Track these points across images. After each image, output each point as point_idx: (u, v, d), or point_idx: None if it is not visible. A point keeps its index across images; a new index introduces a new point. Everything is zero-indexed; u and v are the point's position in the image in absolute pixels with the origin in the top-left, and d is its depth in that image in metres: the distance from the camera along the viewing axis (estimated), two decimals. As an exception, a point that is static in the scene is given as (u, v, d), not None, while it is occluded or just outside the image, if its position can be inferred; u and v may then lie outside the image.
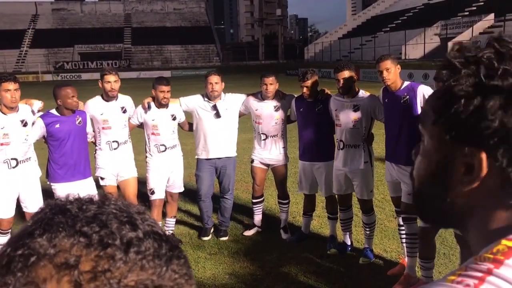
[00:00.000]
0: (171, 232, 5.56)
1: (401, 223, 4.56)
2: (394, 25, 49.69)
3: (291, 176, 6.30)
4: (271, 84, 5.28)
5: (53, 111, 4.75)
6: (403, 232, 4.52)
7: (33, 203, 4.67)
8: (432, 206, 0.77)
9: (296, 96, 5.34)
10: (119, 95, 5.17)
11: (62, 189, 4.70)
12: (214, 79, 5.28)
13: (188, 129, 5.68)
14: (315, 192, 5.38)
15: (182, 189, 5.58)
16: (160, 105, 5.17)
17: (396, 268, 4.62)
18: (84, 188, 4.79)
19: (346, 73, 4.65)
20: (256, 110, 5.41)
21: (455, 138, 0.69)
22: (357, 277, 4.51)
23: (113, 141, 5.10)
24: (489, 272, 0.61)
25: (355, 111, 4.71)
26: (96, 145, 5.19)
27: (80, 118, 4.83)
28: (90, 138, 5.14)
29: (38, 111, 4.87)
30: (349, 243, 5.15)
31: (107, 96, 5.06)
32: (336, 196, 5.14)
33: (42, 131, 4.69)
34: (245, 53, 71.98)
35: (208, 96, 5.37)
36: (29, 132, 4.61)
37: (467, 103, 0.67)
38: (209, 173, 5.49)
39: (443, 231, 5.06)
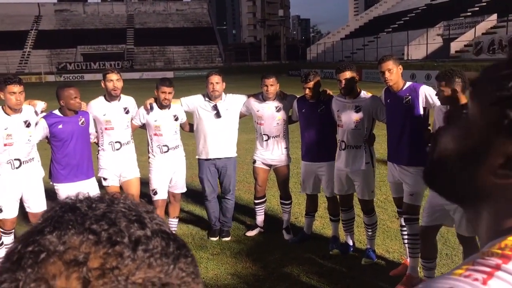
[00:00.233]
0: (174, 232, 5.56)
1: (403, 223, 4.57)
2: (397, 25, 49.64)
3: (293, 176, 6.30)
4: (272, 85, 5.29)
5: (56, 111, 4.77)
6: (405, 232, 4.52)
7: (36, 203, 4.69)
8: (450, 179, 0.74)
9: (298, 97, 5.35)
10: (122, 95, 5.19)
11: (65, 190, 4.71)
12: (215, 79, 5.30)
13: (188, 129, 5.69)
14: (318, 192, 5.38)
15: (184, 190, 5.60)
16: (162, 106, 5.19)
17: (399, 268, 4.61)
18: (86, 189, 4.80)
19: (347, 74, 4.66)
20: (258, 111, 5.41)
21: (509, 129, 0.65)
22: (359, 278, 4.52)
23: (115, 142, 5.12)
24: (497, 267, 0.61)
25: (356, 112, 4.71)
26: (98, 146, 5.21)
27: (83, 119, 4.84)
28: (93, 139, 5.16)
29: (41, 111, 4.88)
30: (351, 243, 5.15)
31: (110, 96, 5.08)
32: (338, 196, 5.14)
33: (45, 131, 4.71)
34: (248, 53, 72.04)
35: (209, 96, 5.38)
36: (32, 132, 4.63)
37: None
38: (211, 173, 5.50)
39: (445, 231, 5.06)
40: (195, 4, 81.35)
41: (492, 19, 35.84)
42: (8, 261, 0.50)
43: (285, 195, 5.64)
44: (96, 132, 5.14)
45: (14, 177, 4.56)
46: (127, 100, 5.26)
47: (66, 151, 4.75)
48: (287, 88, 6.08)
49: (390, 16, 55.04)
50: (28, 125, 4.59)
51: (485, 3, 40.92)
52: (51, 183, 4.89)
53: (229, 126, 5.44)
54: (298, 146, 5.46)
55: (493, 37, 31.61)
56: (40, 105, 4.92)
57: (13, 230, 4.71)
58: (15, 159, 4.55)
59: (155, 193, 5.32)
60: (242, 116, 5.63)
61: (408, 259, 4.47)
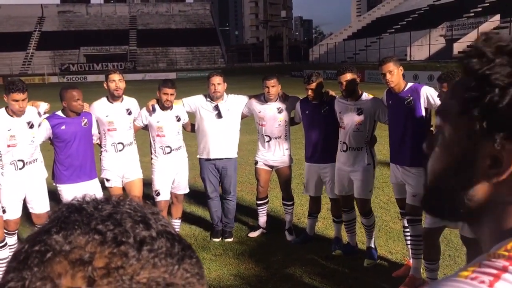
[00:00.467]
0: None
1: (406, 224, 4.56)
2: (399, 26, 49.60)
3: (295, 177, 6.31)
4: (273, 86, 5.29)
5: (59, 112, 4.79)
6: (408, 233, 4.52)
7: (40, 204, 4.71)
8: (449, 200, 0.74)
9: (301, 98, 5.35)
10: (124, 97, 5.20)
11: (68, 190, 4.73)
12: (217, 79, 5.30)
13: (190, 129, 5.70)
14: (321, 194, 5.38)
15: (187, 191, 5.61)
16: (164, 107, 5.20)
17: (401, 269, 4.61)
18: (89, 190, 4.81)
19: (348, 76, 4.66)
20: (259, 112, 5.42)
21: (485, 129, 0.67)
22: (362, 279, 4.51)
23: (118, 143, 5.13)
24: (504, 269, 0.60)
25: (358, 114, 4.72)
26: (101, 147, 5.22)
27: (86, 120, 4.86)
28: (95, 140, 5.17)
29: (44, 113, 4.90)
30: (354, 244, 5.15)
31: (112, 97, 5.09)
32: (339, 197, 5.14)
33: (48, 132, 4.72)
34: (250, 54, 72.06)
35: (210, 97, 5.39)
36: (35, 133, 4.64)
37: (503, 93, 0.65)
38: (212, 173, 5.52)
39: (448, 232, 5.06)
40: (198, 5, 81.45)
41: (495, 20, 35.77)
42: (15, 260, 0.51)
43: (287, 196, 5.64)
44: (99, 133, 5.15)
45: (18, 178, 4.58)
46: (130, 101, 5.27)
47: (69, 152, 4.76)
48: (290, 89, 6.08)
49: (393, 17, 55.00)
50: (31, 126, 4.60)
51: (488, 4, 40.85)
52: (54, 184, 4.91)
53: (231, 127, 5.45)
54: (300, 147, 5.47)
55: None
56: (43, 106, 4.94)
57: (16, 231, 4.73)
58: (18, 160, 4.56)
59: (158, 194, 5.33)
60: (243, 117, 5.63)
61: (411, 260, 4.46)
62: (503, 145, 0.66)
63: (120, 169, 5.17)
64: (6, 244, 4.55)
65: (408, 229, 4.51)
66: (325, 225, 5.83)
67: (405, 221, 4.59)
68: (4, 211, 4.55)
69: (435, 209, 0.80)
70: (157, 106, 5.24)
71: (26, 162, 4.61)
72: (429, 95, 4.23)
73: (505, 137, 0.66)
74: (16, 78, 4.65)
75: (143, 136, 5.81)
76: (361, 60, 44.77)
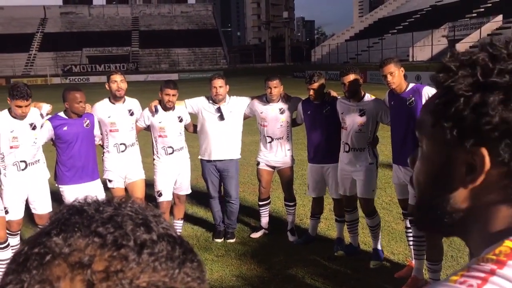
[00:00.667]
0: (179, 234, 5.57)
1: (408, 225, 4.55)
2: (401, 27, 49.56)
3: (297, 178, 6.31)
4: (275, 87, 5.29)
5: (61, 114, 4.80)
6: (410, 234, 4.51)
7: (42, 205, 4.72)
8: (434, 213, 0.76)
9: (303, 99, 5.35)
10: (126, 98, 5.21)
11: (70, 191, 4.74)
12: (218, 82, 5.31)
13: (192, 130, 5.71)
14: (324, 194, 5.38)
15: (189, 191, 5.61)
16: (166, 107, 5.21)
17: (404, 270, 4.60)
18: (92, 190, 4.82)
19: (351, 77, 4.66)
20: (261, 113, 5.42)
21: (456, 137, 0.70)
22: (364, 280, 4.51)
23: (120, 144, 5.14)
24: (492, 272, 0.62)
25: (361, 115, 4.71)
26: (103, 148, 5.23)
27: (88, 121, 4.87)
28: (98, 141, 5.18)
29: (47, 114, 4.91)
30: (356, 245, 5.15)
31: (115, 98, 5.10)
32: (342, 197, 5.13)
33: (50, 133, 4.73)
34: (252, 55, 72.11)
35: (213, 99, 5.40)
36: (37, 135, 4.65)
37: (467, 101, 0.68)
38: (213, 174, 5.53)
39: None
40: (200, 6, 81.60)
41: (497, 20, 35.71)
42: (14, 262, 0.51)
43: (289, 197, 5.64)
44: (101, 134, 5.16)
45: (20, 179, 4.59)
46: (132, 102, 5.28)
47: (71, 153, 4.77)
48: (292, 90, 6.09)
49: (395, 18, 54.96)
50: (33, 128, 4.61)
51: (490, 4, 40.79)
52: (56, 185, 4.92)
53: (233, 129, 5.45)
54: (302, 147, 5.47)
55: (499, 38, 31.47)
56: (46, 107, 4.95)
57: (19, 232, 4.74)
58: (21, 161, 4.57)
59: (160, 195, 5.34)
60: (246, 117, 5.64)
61: (413, 261, 4.45)
62: (474, 151, 0.69)
63: (122, 170, 5.18)
64: (8, 244, 4.56)
65: (410, 230, 4.51)
66: (327, 226, 5.83)
67: (408, 222, 4.59)
68: (6, 212, 4.56)
69: (424, 223, 0.81)
70: (159, 107, 5.25)
71: (29, 163, 4.62)
72: (431, 95, 4.22)
73: (474, 143, 0.68)
74: (21, 83, 4.64)
75: (145, 137, 5.82)
76: (363, 61, 44.72)
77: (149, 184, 5.64)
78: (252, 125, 6.74)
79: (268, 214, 5.79)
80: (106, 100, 5.17)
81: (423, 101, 4.25)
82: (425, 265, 4.28)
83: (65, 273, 0.48)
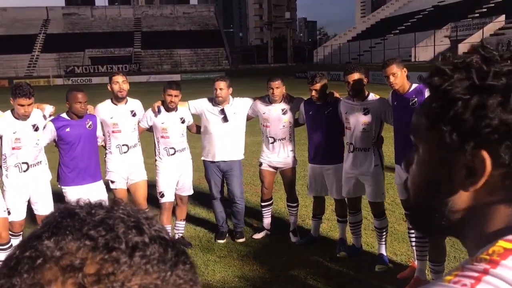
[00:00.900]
0: (181, 235, 5.58)
1: (411, 226, 4.54)
2: (404, 27, 49.53)
3: (300, 179, 6.31)
4: (278, 87, 5.29)
5: (64, 115, 4.80)
6: (413, 235, 4.50)
7: (44, 206, 4.72)
8: (432, 216, 0.77)
9: (305, 99, 5.35)
10: (129, 99, 5.22)
11: (73, 192, 4.74)
12: (220, 84, 5.31)
13: (195, 131, 5.72)
14: (325, 195, 5.37)
15: (191, 192, 5.61)
16: (168, 108, 5.21)
17: (406, 271, 4.59)
18: (94, 192, 4.83)
19: (356, 76, 4.65)
20: (264, 113, 5.42)
21: (455, 141, 0.70)
22: (366, 281, 4.50)
23: (123, 145, 5.14)
24: (485, 272, 0.63)
25: (365, 114, 4.70)
26: (106, 149, 5.24)
27: (90, 122, 4.87)
28: (100, 142, 5.18)
29: (50, 115, 4.91)
30: (358, 246, 5.13)
31: (117, 99, 5.11)
32: (346, 199, 5.12)
33: (53, 134, 4.74)
34: (254, 56, 72.17)
35: (216, 100, 5.40)
36: (40, 136, 4.66)
37: (465, 104, 0.68)
38: (216, 174, 5.53)
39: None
40: (202, 7, 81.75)
41: (500, 20, 35.68)
42: (5, 267, 0.51)
43: (292, 198, 5.63)
44: (104, 135, 5.16)
45: (22, 181, 4.60)
46: (134, 103, 5.29)
47: (73, 154, 4.77)
48: (294, 91, 6.08)
49: (397, 18, 54.93)
50: (36, 129, 4.62)
51: (493, 4, 40.73)
52: (59, 186, 4.92)
53: (236, 130, 5.45)
54: (304, 148, 5.46)
55: (501, 39, 31.44)
56: (49, 109, 4.96)
57: (21, 233, 4.74)
58: (22, 163, 4.58)
59: (162, 196, 5.34)
60: (249, 118, 5.64)
61: (416, 262, 4.44)
62: (475, 154, 0.69)
63: (125, 170, 5.18)
64: (11, 245, 4.56)
65: (413, 231, 4.49)
66: (330, 227, 5.82)
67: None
68: (8, 213, 4.57)
69: (421, 226, 0.82)
70: (162, 108, 5.25)
71: (31, 165, 4.62)
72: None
73: (474, 146, 0.69)
74: (23, 82, 4.64)
75: (148, 137, 5.82)
76: (365, 61, 44.70)
77: (151, 185, 5.64)
78: (254, 126, 6.74)
79: (270, 215, 5.78)
80: (108, 101, 5.18)
81: (426, 102, 4.23)
82: (428, 266, 4.27)
83: (56, 277, 0.48)
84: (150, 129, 5.37)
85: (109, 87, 5.12)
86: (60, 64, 60.84)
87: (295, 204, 5.62)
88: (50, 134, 4.72)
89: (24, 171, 4.60)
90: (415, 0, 57.83)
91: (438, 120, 0.72)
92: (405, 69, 4.37)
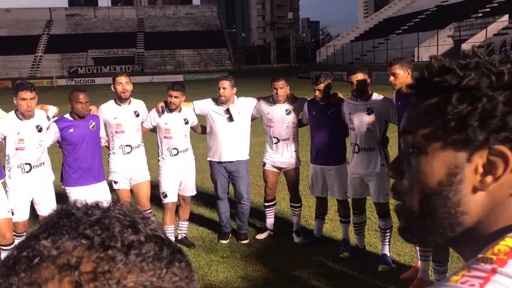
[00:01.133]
0: (184, 235, 5.59)
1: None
2: (407, 27, 49.43)
3: (303, 179, 6.31)
4: (281, 88, 5.29)
5: (67, 115, 4.82)
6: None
7: (47, 207, 4.72)
8: (440, 221, 0.74)
9: (308, 99, 5.34)
10: (132, 99, 5.23)
11: (76, 193, 4.75)
12: (224, 84, 5.31)
13: (201, 132, 5.72)
14: (326, 195, 5.36)
15: (194, 193, 5.62)
16: (170, 109, 5.22)
17: (409, 272, 4.58)
18: (98, 192, 4.85)
19: (359, 76, 4.64)
20: (268, 113, 5.42)
21: (480, 138, 0.69)
22: (369, 281, 4.49)
23: (126, 145, 5.15)
24: (493, 271, 0.62)
25: (368, 114, 4.69)
26: (109, 149, 5.25)
27: (94, 123, 4.88)
28: (103, 143, 5.20)
29: (53, 116, 4.93)
30: (362, 246, 5.13)
31: (120, 100, 5.12)
32: (351, 199, 5.11)
33: (56, 135, 4.75)
34: (257, 56, 72.14)
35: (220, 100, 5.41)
36: (43, 137, 4.67)
37: (493, 100, 0.68)
38: (223, 175, 5.53)
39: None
40: (205, 8, 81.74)
41: (503, 20, 35.55)
42: (3, 266, 0.51)
43: (295, 198, 5.63)
44: (107, 135, 5.18)
45: (25, 181, 4.61)
46: (137, 104, 5.30)
47: (77, 155, 4.79)
48: (297, 91, 6.08)
49: (400, 18, 54.83)
50: (39, 130, 4.63)
51: (496, 4, 40.62)
52: (62, 186, 4.94)
53: (242, 129, 5.46)
54: (308, 149, 5.46)
55: (505, 38, 31.35)
56: (52, 110, 4.97)
57: (24, 233, 4.76)
58: (25, 164, 4.59)
59: (165, 196, 5.34)
60: (253, 118, 5.64)
61: (419, 262, 4.43)
62: (497, 150, 0.69)
63: (128, 171, 5.19)
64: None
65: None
66: (333, 227, 5.82)
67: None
68: (12, 213, 4.58)
69: (421, 235, 0.78)
70: (165, 108, 5.27)
71: (33, 166, 4.63)
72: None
73: (497, 142, 0.69)
74: (25, 81, 4.69)
75: (151, 138, 5.83)
76: (368, 61, 44.63)
77: (155, 186, 5.65)
78: (257, 126, 6.74)
79: (273, 215, 5.78)
80: (112, 101, 5.19)
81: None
82: (431, 267, 4.26)
83: (53, 275, 0.48)
84: (154, 130, 5.38)
85: (112, 88, 5.13)
86: (63, 65, 60.96)
87: (298, 205, 5.62)
88: (54, 135, 4.74)
89: (27, 172, 4.61)
90: (418, 0, 57.73)
91: (463, 117, 0.70)
92: (410, 71, 4.34)
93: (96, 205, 0.56)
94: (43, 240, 0.51)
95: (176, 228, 5.58)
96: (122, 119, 5.10)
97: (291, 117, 5.36)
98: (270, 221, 5.75)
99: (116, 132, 5.11)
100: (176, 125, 5.24)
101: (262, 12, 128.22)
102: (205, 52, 68.96)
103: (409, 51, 38.65)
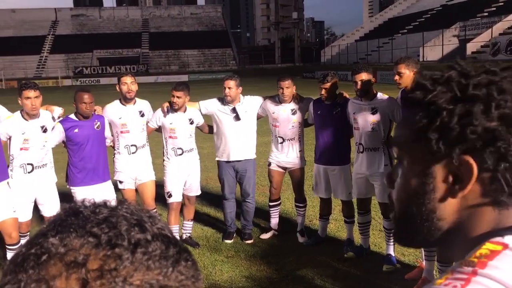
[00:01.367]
0: (189, 235, 5.60)
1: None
2: (412, 27, 49.25)
3: (308, 179, 6.30)
4: (288, 87, 5.29)
5: (72, 116, 4.84)
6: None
7: (50, 207, 4.75)
8: (420, 227, 0.79)
9: (314, 99, 5.34)
10: (137, 99, 5.25)
11: (82, 193, 4.77)
12: (229, 84, 5.32)
13: (207, 131, 5.73)
14: (329, 196, 5.35)
15: (199, 192, 5.63)
16: (174, 109, 5.23)
17: (414, 271, 4.57)
18: (103, 192, 4.86)
19: (364, 75, 4.63)
20: (273, 113, 5.42)
21: (442, 149, 0.73)
22: (374, 281, 4.49)
23: (131, 145, 5.17)
24: (474, 273, 0.65)
25: (373, 113, 4.68)
26: (114, 149, 5.27)
27: (99, 123, 4.90)
28: (109, 143, 5.22)
29: (59, 117, 4.94)
30: (366, 246, 5.12)
31: (125, 100, 5.14)
32: (356, 200, 5.11)
33: (62, 136, 4.77)
34: (262, 56, 72.12)
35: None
36: (48, 138, 4.69)
37: (451, 113, 0.72)
38: (231, 175, 5.54)
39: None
40: (209, 8, 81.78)
41: (509, 19, 35.32)
42: (12, 263, 0.52)
43: (300, 198, 5.63)
44: (112, 135, 5.19)
45: (26, 181, 4.62)
46: (142, 104, 5.32)
47: (82, 155, 4.81)
48: (302, 90, 6.07)
49: (405, 18, 54.64)
50: (44, 131, 4.65)
51: (502, 3, 40.38)
52: (67, 186, 4.96)
53: (248, 128, 5.47)
54: (313, 148, 5.45)
55: (511, 38, 31.18)
56: (58, 110, 4.99)
57: (28, 233, 4.78)
58: (28, 164, 4.61)
59: (170, 196, 5.36)
60: (259, 117, 5.65)
61: (424, 262, 4.42)
62: (461, 160, 0.72)
63: (133, 171, 5.21)
64: (20, 246, 4.60)
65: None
66: (337, 227, 5.81)
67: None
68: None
69: (407, 239, 0.84)
70: (170, 108, 5.28)
71: (35, 166, 4.65)
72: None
73: (461, 152, 0.72)
74: (28, 81, 4.73)
75: (156, 138, 5.85)
76: (373, 61, 44.52)
77: (159, 185, 5.67)
78: (261, 126, 6.74)
79: (278, 215, 5.78)
80: (117, 101, 5.21)
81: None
82: (435, 267, 4.25)
83: (60, 272, 0.49)
84: (159, 130, 5.40)
85: (117, 88, 5.15)
86: (69, 65, 61.14)
87: (303, 205, 5.62)
88: (59, 135, 4.76)
89: (29, 172, 4.62)
90: (423, -1, 57.55)
91: (424, 131, 0.75)
92: (415, 70, 4.33)
93: (104, 204, 0.57)
94: (51, 238, 0.52)
95: (180, 228, 5.59)
96: (127, 119, 5.12)
97: (297, 117, 5.36)
98: (274, 221, 5.75)
99: (121, 132, 5.13)
100: (181, 125, 5.26)
101: (266, 12, 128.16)
102: (209, 52, 68.99)
103: (414, 51, 38.50)
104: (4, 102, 4.85)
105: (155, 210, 5.38)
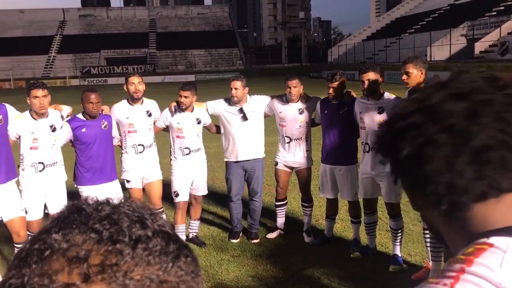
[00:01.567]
0: (195, 234, 5.62)
1: (426, 226, 4.51)
2: (419, 26, 49.02)
3: (314, 179, 6.30)
4: (295, 87, 5.29)
5: (80, 115, 4.87)
6: (428, 236, 4.46)
7: (57, 206, 4.76)
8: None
9: (321, 98, 5.34)
10: (144, 99, 5.27)
11: (89, 192, 4.79)
12: (235, 84, 5.33)
13: (215, 131, 5.75)
14: (335, 196, 5.34)
15: (206, 192, 5.65)
16: (182, 108, 5.25)
17: (420, 272, 4.56)
18: (110, 191, 4.88)
19: (371, 75, 4.63)
20: (280, 112, 5.43)
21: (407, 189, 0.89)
22: (380, 281, 4.48)
23: (138, 145, 5.19)
24: (462, 270, 0.71)
25: (380, 113, 4.67)
26: (122, 149, 5.29)
27: (106, 122, 4.93)
28: (116, 142, 5.25)
29: (67, 116, 4.98)
30: (373, 246, 5.11)
31: (132, 99, 5.16)
32: (362, 200, 5.10)
33: (69, 135, 4.80)
34: (268, 56, 72.08)
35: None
36: (57, 137, 4.73)
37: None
38: (239, 175, 5.55)
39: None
40: (216, 8, 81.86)
41: (517, 19, 35.07)
42: (17, 258, 0.54)
43: (306, 198, 5.63)
44: (120, 135, 5.22)
45: (38, 180, 4.66)
46: (150, 103, 5.34)
47: (89, 154, 4.83)
48: (309, 90, 6.07)
49: (413, 17, 54.40)
50: (53, 130, 4.69)
51: (510, 2, 40.11)
52: (75, 185, 4.99)
53: (256, 128, 5.48)
54: (320, 148, 5.45)
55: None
56: (66, 110, 5.02)
57: (38, 231, 4.81)
58: (38, 163, 4.65)
59: (177, 195, 5.38)
60: (265, 116, 5.66)
61: (431, 263, 4.41)
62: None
63: (140, 170, 5.24)
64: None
65: (427, 231, 4.46)
66: (344, 227, 5.81)
67: (425, 223, 4.54)
68: (25, 212, 4.64)
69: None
70: (177, 108, 5.30)
71: (46, 165, 4.69)
72: None
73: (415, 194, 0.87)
74: (36, 80, 4.78)
75: (163, 137, 5.87)
76: (380, 60, 44.35)
77: (167, 185, 5.69)
78: (268, 126, 6.74)
79: (284, 215, 5.79)
80: (124, 101, 5.24)
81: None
82: (442, 267, 4.23)
83: (63, 267, 0.50)
84: (167, 129, 5.42)
85: (125, 88, 5.18)
86: (76, 65, 61.44)
87: (309, 204, 5.62)
88: (67, 134, 4.79)
89: (40, 171, 4.66)
90: (431, -2, 57.26)
91: (396, 170, 0.92)
92: (423, 70, 4.32)
93: (106, 202, 0.59)
94: (54, 234, 0.53)
95: (187, 227, 5.61)
96: (134, 118, 5.14)
97: (304, 117, 5.36)
98: (280, 220, 5.75)
99: (129, 131, 5.16)
100: (188, 124, 5.28)
101: (273, 12, 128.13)
102: (216, 52, 69.06)
103: (422, 51, 38.32)
104: (13, 102, 4.88)
105: (162, 209, 5.41)
